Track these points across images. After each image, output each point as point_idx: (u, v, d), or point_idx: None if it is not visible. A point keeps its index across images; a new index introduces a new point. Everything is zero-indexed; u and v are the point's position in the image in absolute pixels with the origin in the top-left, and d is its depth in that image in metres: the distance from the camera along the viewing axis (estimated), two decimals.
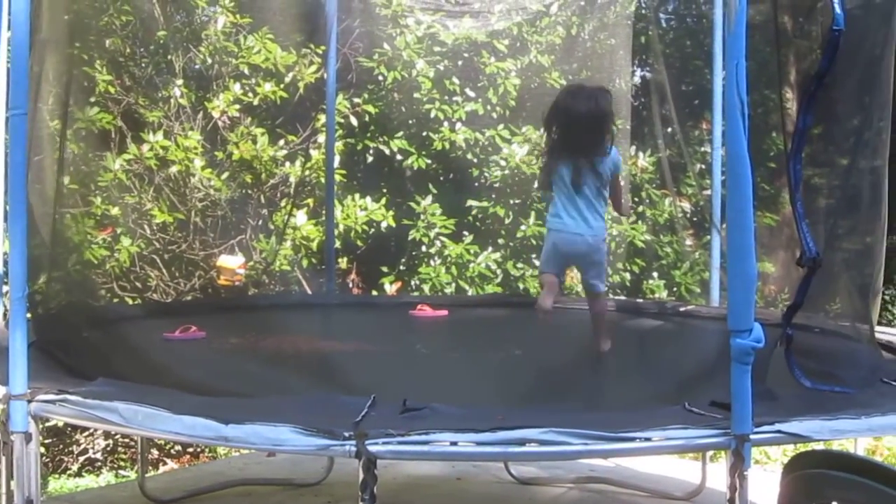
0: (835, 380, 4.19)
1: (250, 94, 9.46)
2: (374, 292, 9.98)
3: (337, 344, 6.04)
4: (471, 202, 10.08)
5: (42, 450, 8.25)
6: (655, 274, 10.58)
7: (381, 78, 10.01)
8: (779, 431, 3.56)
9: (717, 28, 7.84)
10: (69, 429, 8.78)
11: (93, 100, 8.86)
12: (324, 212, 8.70)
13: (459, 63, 10.19)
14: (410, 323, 7.22)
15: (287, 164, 9.59)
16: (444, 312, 7.36)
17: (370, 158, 10.34)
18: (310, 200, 9.71)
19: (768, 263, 10.42)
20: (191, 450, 9.31)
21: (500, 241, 10.10)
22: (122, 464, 9.19)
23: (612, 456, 5.86)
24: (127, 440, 8.99)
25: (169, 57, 9.43)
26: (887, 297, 12.77)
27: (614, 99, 6.05)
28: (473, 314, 7.81)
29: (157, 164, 9.00)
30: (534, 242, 10.01)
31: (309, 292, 9.29)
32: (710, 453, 6.93)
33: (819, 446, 4.18)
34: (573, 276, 9.79)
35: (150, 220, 9.07)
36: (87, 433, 8.99)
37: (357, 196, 9.76)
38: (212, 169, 9.24)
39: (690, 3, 13.24)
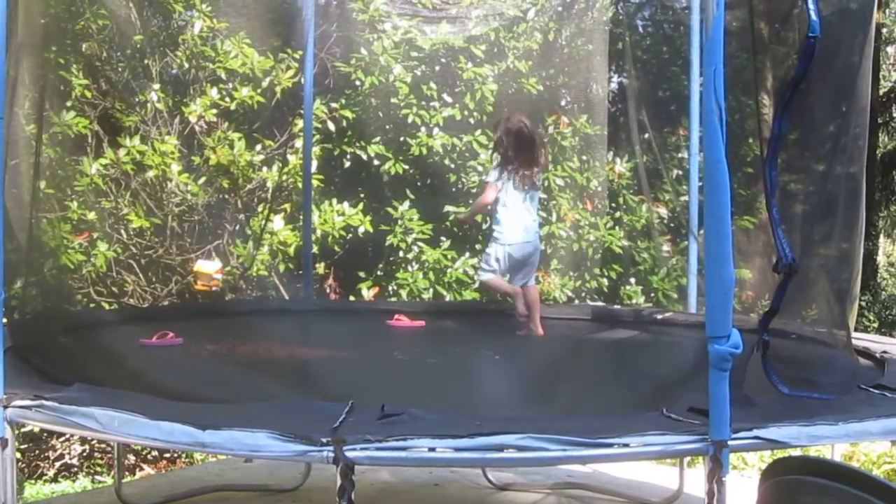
0: (812, 386, 4.20)
1: (227, 99, 9.43)
2: (352, 297, 9.97)
3: (314, 350, 6.03)
4: (448, 207, 10.07)
5: (18, 455, 8.19)
6: (633, 280, 10.60)
7: (358, 83, 10.01)
8: (757, 437, 3.56)
9: (694, 34, 7.86)
10: (45, 434, 8.75)
11: (69, 104, 8.83)
12: (301, 217, 8.69)
13: (437, 68, 10.19)
14: (388, 330, 7.21)
15: (264, 169, 9.58)
16: (421, 323, 7.34)
17: (347, 163, 10.32)
18: (287, 205, 9.69)
19: (745, 269, 10.44)
20: (168, 455, 9.29)
21: (478, 246, 10.09)
22: (98, 469, 9.16)
23: (590, 462, 5.86)
24: (103, 446, 8.95)
25: (145, 61, 9.41)
26: (864, 304, 12.83)
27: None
28: (450, 323, 7.80)
29: (133, 168, 8.97)
30: None
31: (286, 297, 9.27)
32: (687, 459, 6.94)
33: (797, 452, 4.19)
34: (550, 282, 9.83)
35: (127, 224, 9.04)
36: (63, 439, 8.96)
37: (334, 201, 9.74)
38: (189, 174, 9.22)
39: (667, 10, 13.25)
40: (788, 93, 3.87)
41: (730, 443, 3.46)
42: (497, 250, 7.00)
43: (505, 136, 7.01)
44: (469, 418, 3.72)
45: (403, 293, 9.65)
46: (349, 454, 3.31)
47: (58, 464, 9.11)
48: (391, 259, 10.09)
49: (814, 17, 3.68)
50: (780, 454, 4.54)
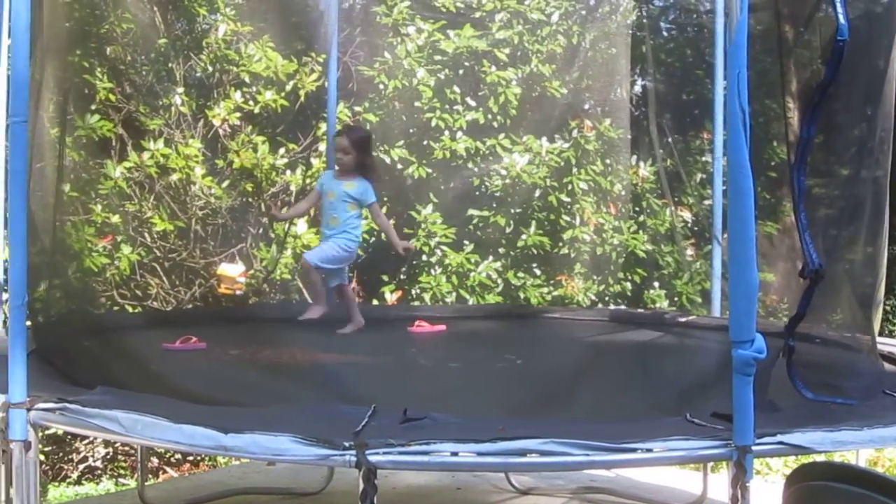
0: (836, 391, 4.18)
1: (251, 103, 9.45)
2: (375, 301, 9.96)
3: (336, 354, 6.02)
4: (471, 211, 10.06)
5: (42, 458, 8.23)
6: (656, 284, 10.56)
7: (381, 87, 10.00)
8: (780, 443, 3.55)
9: (717, 38, 7.85)
10: (69, 437, 8.77)
11: (93, 107, 8.85)
12: None
13: (460, 72, 10.18)
14: (410, 335, 7.20)
15: (287, 172, 9.58)
16: (442, 328, 7.32)
17: None
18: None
19: (769, 273, 10.40)
20: (191, 458, 9.30)
21: (501, 250, 10.09)
22: (121, 472, 9.18)
23: (614, 466, 5.84)
24: (127, 448, 8.97)
25: (170, 65, 9.43)
26: (888, 308, 12.75)
27: None
28: (472, 327, 7.78)
29: (157, 171, 8.99)
30: (534, 252, 10.01)
31: (309, 301, 9.26)
32: (711, 464, 6.91)
33: (821, 458, 4.17)
34: (574, 286, 9.81)
35: (151, 227, 9.06)
36: (86, 441, 8.99)
37: None
38: (212, 177, 9.23)
39: (691, 13, 13.22)
40: (816, 97, 3.85)
41: (753, 448, 3.44)
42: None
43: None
44: (492, 422, 3.71)
45: (426, 297, 9.65)
46: (371, 458, 3.31)
47: (81, 466, 9.13)
48: (414, 263, 10.08)
49: (842, 20, 3.67)
50: (804, 459, 4.51)
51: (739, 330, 3.40)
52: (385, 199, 10.10)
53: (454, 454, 3.44)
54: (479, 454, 3.43)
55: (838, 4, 3.66)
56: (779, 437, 3.55)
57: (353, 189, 6.86)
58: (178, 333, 6.01)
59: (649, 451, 3.50)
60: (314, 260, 6.84)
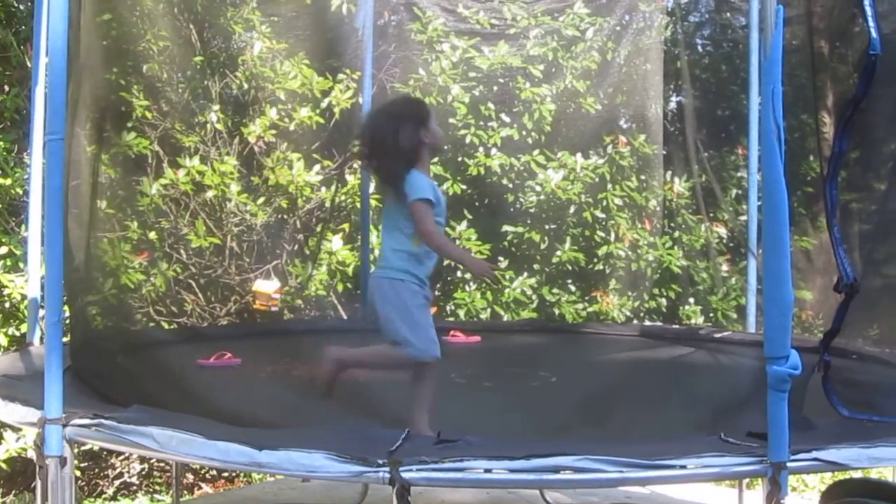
0: (872, 409, 4.15)
1: (286, 120, 9.47)
2: None
3: (370, 372, 5.99)
4: (506, 227, 10.05)
5: (77, 473, 8.28)
6: (692, 299, 10.53)
7: None
8: (816, 459, 3.53)
9: (752, 53, 7.84)
10: (104, 452, 8.80)
11: (130, 125, 8.90)
12: (359, 237, 8.73)
13: (495, 88, 10.18)
14: (443, 349, 7.18)
15: (322, 189, 9.61)
16: (477, 339, 7.35)
17: None
18: (345, 225, 9.72)
19: (805, 290, 10.35)
20: (226, 475, 9.31)
21: (536, 266, 10.08)
22: (157, 488, 9.20)
23: (648, 483, 5.81)
24: (162, 464, 9.00)
25: (206, 82, 9.47)
26: None
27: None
28: (506, 340, 7.79)
29: (193, 188, 9.03)
30: (569, 268, 9.99)
31: (344, 317, 9.29)
32: (746, 480, 6.88)
33: (857, 474, 4.14)
34: (609, 302, 9.79)
35: (187, 244, 9.10)
36: (122, 457, 9.02)
37: None
38: (248, 194, 9.26)
39: (726, 29, 13.20)
40: (849, 111, 3.84)
41: (788, 465, 3.43)
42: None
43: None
44: (526, 446, 3.70)
45: (461, 313, 9.64)
46: (405, 475, 3.32)
47: (117, 482, 9.15)
48: (448, 279, 10.08)
49: (874, 34, 3.66)
50: (840, 476, 4.49)
51: (774, 346, 3.38)
52: None
53: (487, 471, 3.44)
54: (512, 471, 3.42)
55: (870, 18, 3.65)
56: (814, 454, 3.53)
57: None
58: (214, 349, 6.04)
59: (683, 467, 3.49)
60: None
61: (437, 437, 3.74)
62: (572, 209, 9.93)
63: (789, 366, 3.36)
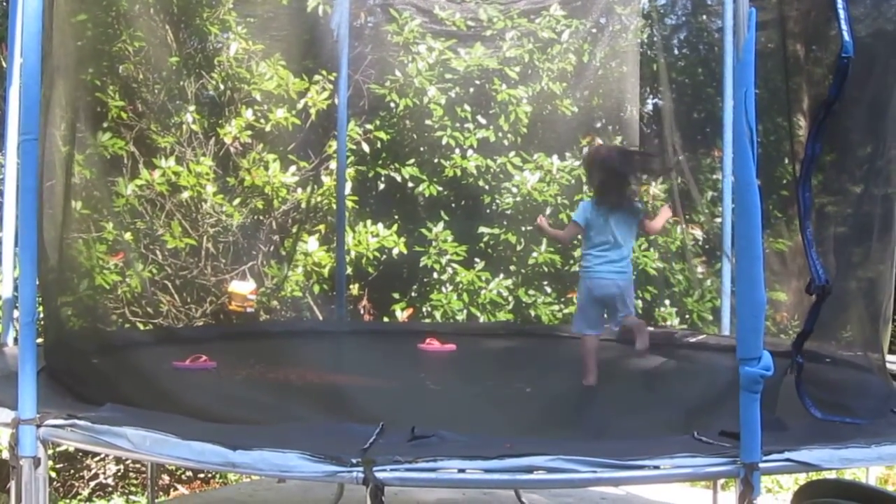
0: (845, 411, 4.18)
1: (262, 121, 9.47)
2: (386, 319, 9.97)
3: (346, 375, 6.00)
4: (482, 229, 10.06)
5: (53, 474, 8.25)
6: (667, 301, 10.55)
7: (392, 105, 10.01)
8: (788, 460, 3.55)
9: (727, 55, 7.85)
10: (80, 454, 8.78)
11: (105, 125, 8.88)
12: (335, 238, 8.72)
13: (471, 90, 10.19)
14: (420, 354, 7.18)
15: (299, 190, 9.60)
16: (452, 347, 7.28)
17: (382, 185, 10.34)
18: (321, 227, 9.71)
19: (780, 292, 10.38)
20: (201, 475, 9.30)
21: (512, 267, 10.09)
22: (132, 489, 9.18)
23: (621, 484, 5.84)
24: (138, 465, 8.98)
25: (181, 83, 9.45)
26: None
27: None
28: (482, 345, 7.77)
29: (168, 189, 9.02)
30: (545, 270, 9.99)
31: (320, 318, 9.28)
32: (721, 481, 6.90)
33: (831, 475, 4.17)
34: None
35: (162, 245, 9.08)
36: (98, 458, 8.99)
37: (368, 222, 9.76)
38: (223, 195, 9.25)
39: (702, 32, 13.25)
40: (822, 114, 3.85)
41: (761, 465, 3.44)
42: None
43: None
44: (500, 440, 3.72)
45: (437, 314, 9.65)
46: (379, 475, 3.32)
47: (92, 483, 9.13)
48: (425, 280, 10.09)
49: (847, 37, 3.67)
50: (813, 477, 4.51)
51: (746, 347, 3.40)
52: (396, 216, 10.12)
53: (461, 471, 3.45)
54: (487, 471, 3.43)
55: (843, 21, 3.66)
56: (786, 454, 3.55)
57: None
58: (189, 351, 6.03)
59: (656, 468, 3.50)
60: None
61: (412, 433, 3.75)
62: (549, 211, 9.93)
63: (761, 367, 3.37)
